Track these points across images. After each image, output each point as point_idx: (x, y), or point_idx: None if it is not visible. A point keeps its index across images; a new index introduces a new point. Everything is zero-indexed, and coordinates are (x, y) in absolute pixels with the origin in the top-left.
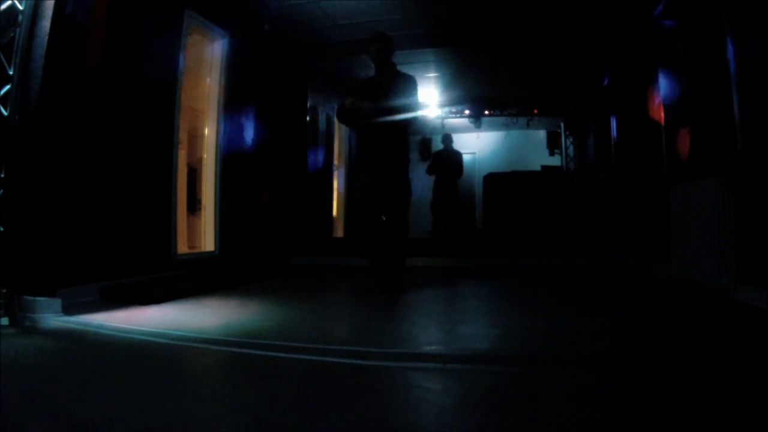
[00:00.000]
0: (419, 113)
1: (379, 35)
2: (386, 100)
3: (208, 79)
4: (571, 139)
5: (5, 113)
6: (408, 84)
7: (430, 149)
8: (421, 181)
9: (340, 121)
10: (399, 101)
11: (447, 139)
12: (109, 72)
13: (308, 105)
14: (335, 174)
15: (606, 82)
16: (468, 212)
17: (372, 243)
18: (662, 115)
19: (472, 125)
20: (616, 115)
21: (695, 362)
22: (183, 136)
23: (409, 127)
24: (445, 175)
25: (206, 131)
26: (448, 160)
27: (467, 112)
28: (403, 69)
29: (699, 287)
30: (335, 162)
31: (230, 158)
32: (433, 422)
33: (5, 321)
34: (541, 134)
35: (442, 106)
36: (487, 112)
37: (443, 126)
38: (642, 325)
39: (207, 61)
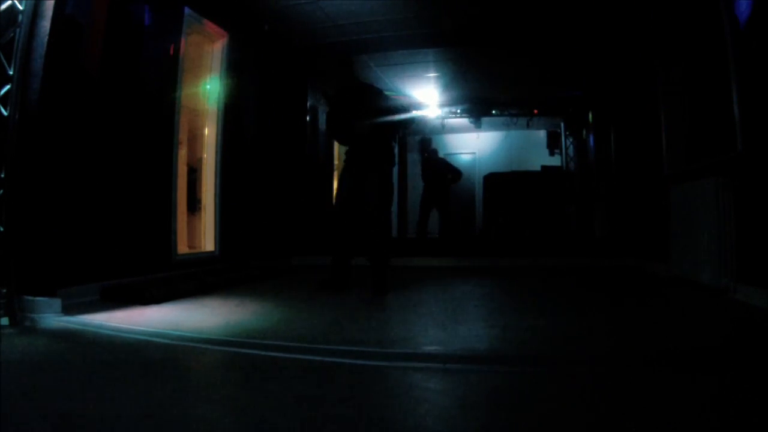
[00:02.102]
0: (406, 114)
1: (340, 61)
2: (369, 109)
3: (208, 79)
4: (571, 139)
5: (5, 113)
6: (378, 93)
7: (430, 150)
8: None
9: (332, 136)
10: (383, 106)
11: (429, 145)
12: (109, 72)
13: (308, 105)
14: (335, 174)
15: (606, 81)
16: (468, 212)
17: (337, 244)
18: (662, 114)
19: (472, 125)
20: (616, 116)
21: (695, 362)
22: (183, 136)
23: (394, 131)
24: (434, 182)
25: (206, 131)
26: (436, 167)
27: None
28: (404, 69)
29: (699, 287)
30: (335, 162)
31: (230, 158)
32: (434, 422)
33: (5, 321)
34: (541, 134)
35: (442, 106)
36: (486, 113)
37: (443, 126)
38: (642, 325)
39: (207, 61)
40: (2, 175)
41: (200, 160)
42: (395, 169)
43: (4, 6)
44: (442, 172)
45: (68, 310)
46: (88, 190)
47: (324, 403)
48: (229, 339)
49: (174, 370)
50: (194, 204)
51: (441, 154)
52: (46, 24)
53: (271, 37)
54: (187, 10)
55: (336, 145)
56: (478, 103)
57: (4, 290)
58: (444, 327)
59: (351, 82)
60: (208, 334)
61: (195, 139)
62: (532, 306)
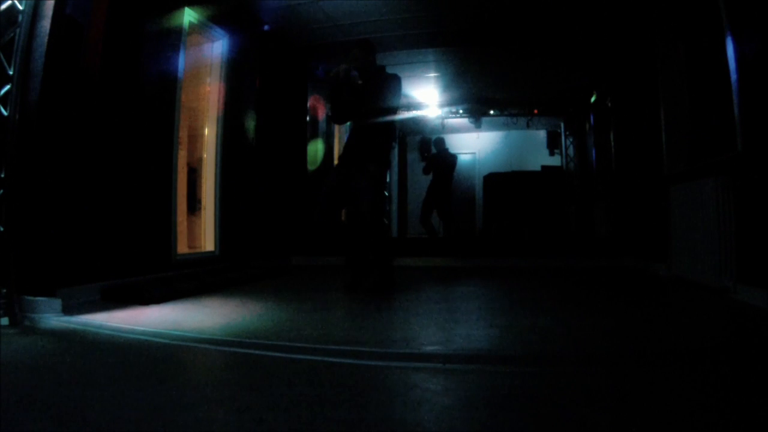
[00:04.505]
0: (400, 113)
1: (358, 42)
2: (372, 102)
3: (208, 79)
4: (571, 139)
5: (5, 113)
6: (391, 84)
7: (430, 149)
8: (419, 182)
9: (336, 116)
10: (382, 102)
11: (440, 143)
12: (109, 72)
13: (308, 105)
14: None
15: (606, 81)
16: (468, 212)
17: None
18: (662, 114)
19: (472, 125)
20: (616, 115)
21: (696, 362)
22: (183, 136)
23: (391, 128)
24: (441, 177)
25: (206, 131)
26: (444, 162)
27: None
28: (404, 69)
29: (699, 287)
30: (335, 162)
31: (230, 158)
32: (433, 422)
33: (5, 321)
34: (541, 134)
35: (442, 106)
36: (487, 112)
37: (443, 126)
38: (642, 325)
39: (207, 61)
40: (2, 175)
41: (200, 160)
42: (395, 169)
43: (4, 6)
44: (450, 169)
45: (68, 310)
46: (88, 190)
47: (325, 403)
48: (229, 339)
49: (174, 371)
50: (194, 204)
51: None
52: (46, 24)
53: (271, 37)
54: (187, 10)
55: (336, 145)
56: (478, 103)
57: (4, 290)
58: (444, 327)
59: (370, 66)
60: (209, 334)
61: (195, 139)
62: (532, 306)
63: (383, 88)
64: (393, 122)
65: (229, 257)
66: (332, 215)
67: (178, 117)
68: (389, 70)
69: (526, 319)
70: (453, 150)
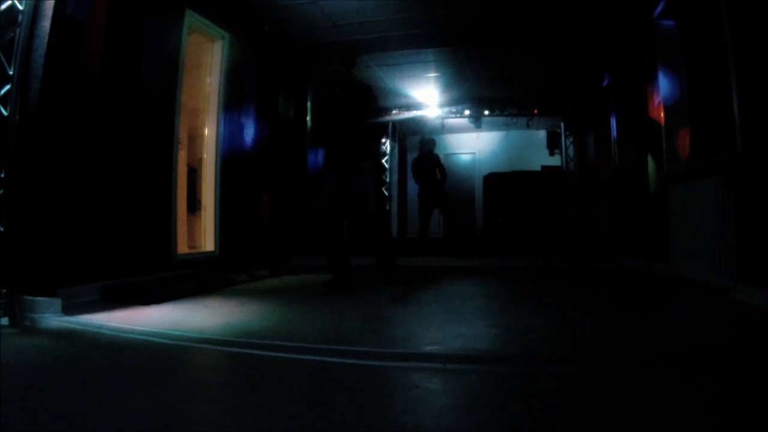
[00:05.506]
0: (385, 113)
1: (340, 53)
2: (352, 116)
3: (208, 79)
4: (571, 139)
5: (5, 113)
6: (367, 97)
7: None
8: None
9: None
10: (361, 113)
11: (428, 144)
12: (109, 72)
13: (308, 105)
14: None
15: (606, 82)
16: (468, 212)
17: (330, 245)
18: (662, 115)
19: (472, 125)
20: (616, 115)
21: (696, 362)
22: (183, 136)
23: (375, 129)
24: (428, 182)
25: (206, 131)
26: (427, 164)
27: (467, 112)
28: (404, 69)
29: (699, 287)
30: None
31: (230, 158)
32: (433, 422)
33: (5, 321)
34: (541, 134)
35: (442, 106)
36: (487, 112)
37: (443, 126)
38: (642, 325)
39: (207, 61)
40: (2, 175)
41: (200, 160)
42: (395, 169)
43: (4, 6)
44: (433, 169)
45: (68, 310)
46: (88, 190)
47: (324, 403)
48: (229, 339)
49: (174, 371)
50: (194, 204)
51: (441, 153)
52: (46, 24)
53: (271, 37)
54: (187, 11)
55: None
56: (478, 103)
57: (4, 290)
58: (444, 327)
59: (345, 80)
60: (209, 334)
61: (195, 139)
62: (532, 306)
63: (360, 100)
64: (377, 123)
65: (229, 257)
66: (340, 220)
67: (178, 117)
68: (385, 72)
69: (526, 319)
70: (453, 150)
